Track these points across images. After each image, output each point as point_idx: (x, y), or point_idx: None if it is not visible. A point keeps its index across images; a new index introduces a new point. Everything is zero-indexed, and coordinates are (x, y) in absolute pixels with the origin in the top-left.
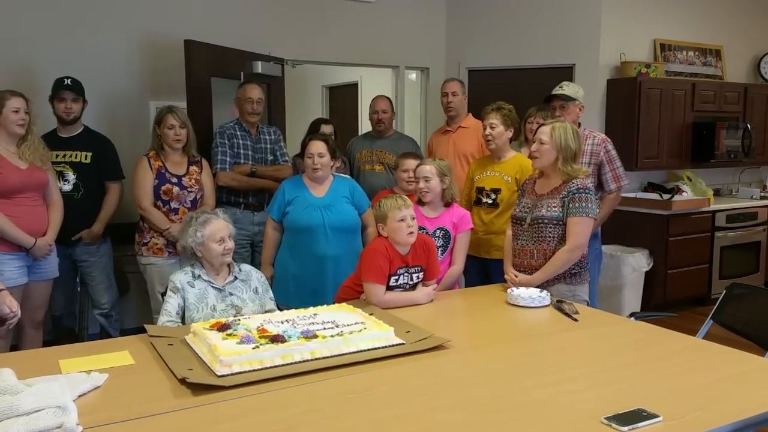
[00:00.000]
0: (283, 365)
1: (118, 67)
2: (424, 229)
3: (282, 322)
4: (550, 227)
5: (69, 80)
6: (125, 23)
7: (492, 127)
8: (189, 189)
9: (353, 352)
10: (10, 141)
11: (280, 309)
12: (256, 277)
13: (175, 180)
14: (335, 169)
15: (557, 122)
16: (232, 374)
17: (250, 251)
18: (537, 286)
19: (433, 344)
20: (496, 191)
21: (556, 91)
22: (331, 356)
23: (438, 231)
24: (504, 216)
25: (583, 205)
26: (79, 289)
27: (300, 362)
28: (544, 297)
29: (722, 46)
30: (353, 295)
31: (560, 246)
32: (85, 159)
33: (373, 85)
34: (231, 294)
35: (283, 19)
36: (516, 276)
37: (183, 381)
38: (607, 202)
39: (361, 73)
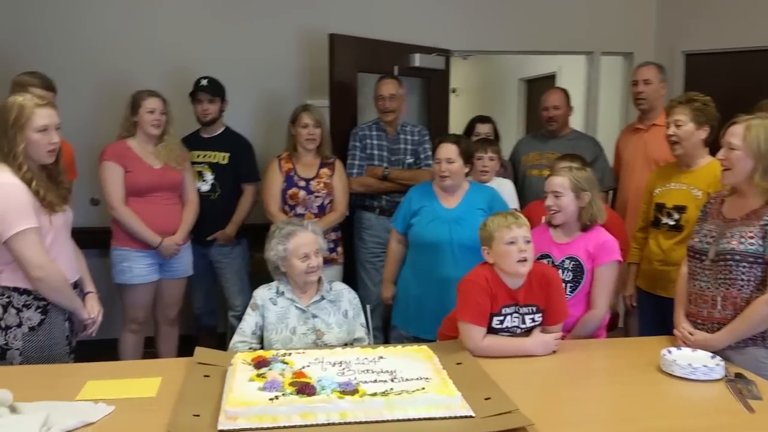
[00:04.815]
0: (301, 426)
1: (277, 66)
2: (549, 257)
3: (333, 365)
4: (743, 266)
5: (205, 80)
6: (285, 22)
7: (677, 125)
8: (316, 194)
9: (396, 420)
10: (147, 141)
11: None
12: (348, 299)
13: (302, 184)
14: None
15: (755, 120)
16: (235, 430)
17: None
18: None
19: (511, 426)
20: (680, 209)
21: None
22: (366, 422)
23: (567, 261)
24: None
25: None
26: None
27: (324, 425)
28: (713, 368)
29: None
30: (456, 331)
31: (757, 294)
32: (223, 159)
33: (572, 76)
34: (315, 316)
35: (449, 6)
36: (691, 333)
37: None
38: None
39: (560, 62)
